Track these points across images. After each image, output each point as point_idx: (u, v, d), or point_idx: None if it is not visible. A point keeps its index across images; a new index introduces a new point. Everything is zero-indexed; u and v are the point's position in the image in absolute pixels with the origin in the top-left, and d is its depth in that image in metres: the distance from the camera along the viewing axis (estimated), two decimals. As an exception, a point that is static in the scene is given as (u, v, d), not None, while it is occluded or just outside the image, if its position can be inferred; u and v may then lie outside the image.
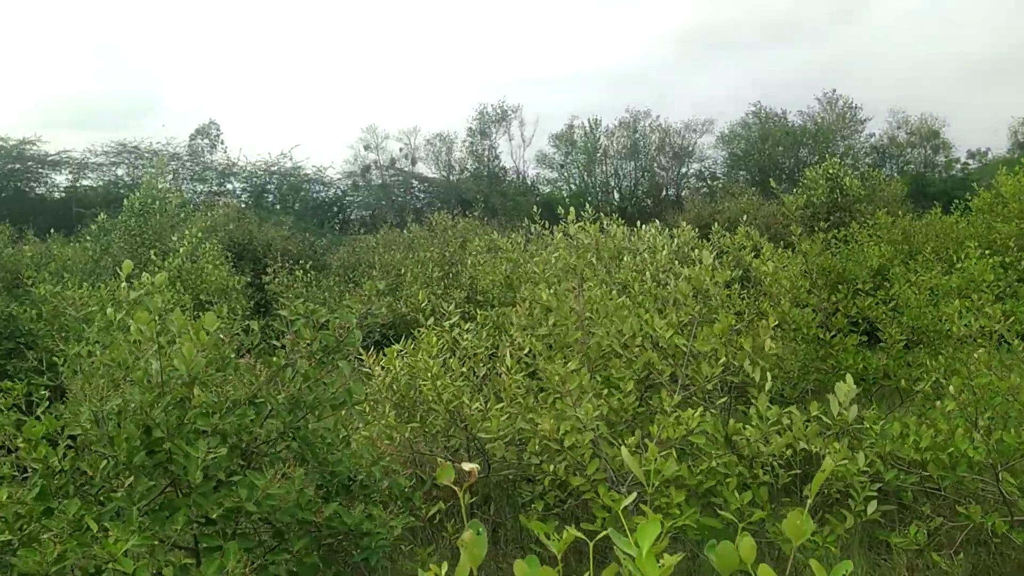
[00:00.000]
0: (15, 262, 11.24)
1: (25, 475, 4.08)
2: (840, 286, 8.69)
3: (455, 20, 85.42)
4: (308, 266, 14.41)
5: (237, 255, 16.51)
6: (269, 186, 49.14)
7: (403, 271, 14.11)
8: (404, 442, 5.77)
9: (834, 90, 48.31)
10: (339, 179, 51.53)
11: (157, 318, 4.05)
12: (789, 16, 79.37)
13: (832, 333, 7.36)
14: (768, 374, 4.98)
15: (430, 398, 5.57)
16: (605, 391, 4.67)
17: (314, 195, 50.70)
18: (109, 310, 4.21)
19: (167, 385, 3.93)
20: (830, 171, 18.93)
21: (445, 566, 1.84)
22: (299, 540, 3.85)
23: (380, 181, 51.18)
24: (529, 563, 1.69)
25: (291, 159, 48.36)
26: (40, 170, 47.98)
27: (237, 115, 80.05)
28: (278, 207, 45.05)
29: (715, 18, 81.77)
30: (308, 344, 4.21)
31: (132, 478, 3.55)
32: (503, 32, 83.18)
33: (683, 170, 50.36)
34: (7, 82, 68.92)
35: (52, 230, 19.75)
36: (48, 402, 4.28)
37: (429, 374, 5.62)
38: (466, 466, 4.66)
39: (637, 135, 49.00)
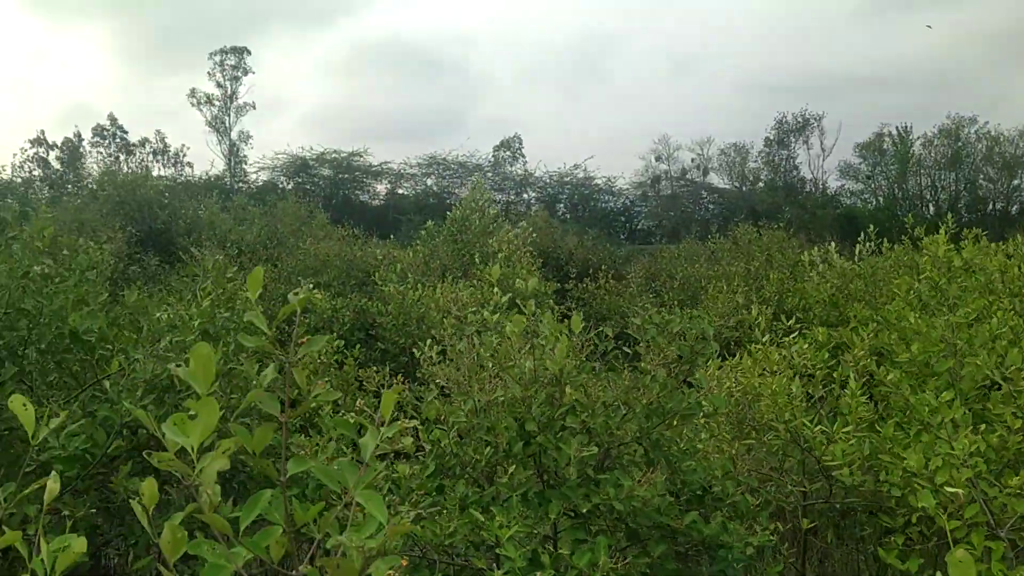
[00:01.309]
0: (366, 263, 12.77)
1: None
2: None
3: (749, 25, 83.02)
4: (609, 275, 14.77)
5: (542, 263, 17.35)
6: (561, 196, 51.10)
7: (706, 283, 13.97)
8: (737, 458, 5.70)
9: None
10: (628, 189, 52.24)
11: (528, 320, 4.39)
12: None
13: None
14: None
15: (768, 417, 5.47)
16: (983, 426, 4.28)
17: (602, 205, 51.89)
18: (485, 313, 4.64)
19: (538, 382, 4.24)
20: None
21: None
22: (657, 545, 3.96)
23: (669, 191, 51.12)
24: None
25: (584, 170, 49.88)
26: (364, 179, 53.92)
27: (533, 129, 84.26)
28: (568, 216, 46.71)
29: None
30: (664, 352, 4.32)
31: (514, 466, 3.87)
32: (801, 34, 79.38)
33: (1016, 182, 44.64)
34: (339, 100, 78.44)
35: (374, 234, 21.89)
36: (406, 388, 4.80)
37: (768, 392, 5.53)
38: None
39: (959, 143, 44.20)
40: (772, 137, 49.36)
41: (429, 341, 7.00)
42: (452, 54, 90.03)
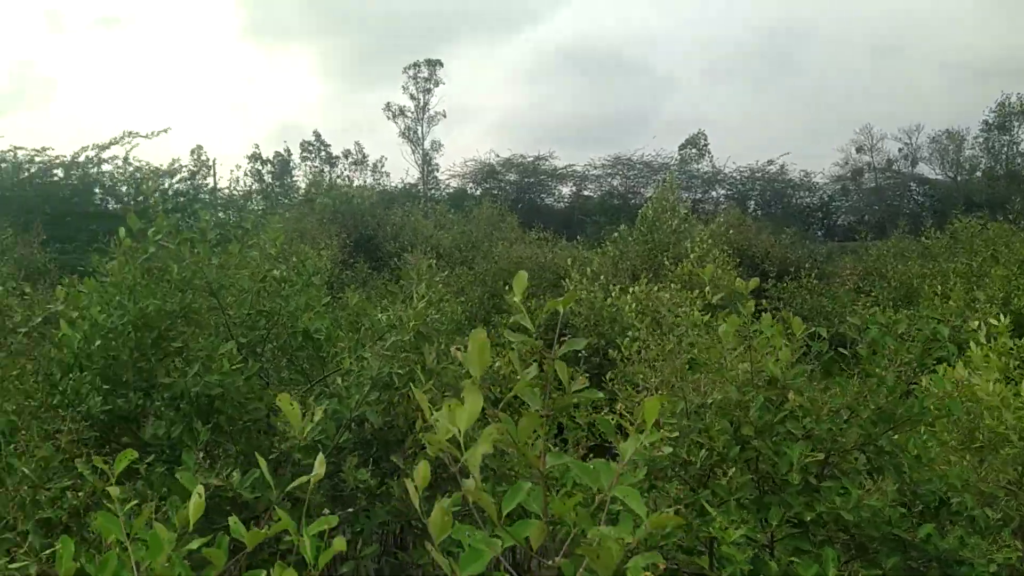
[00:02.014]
0: (556, 264, 12.96)
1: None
2: None
3: (952, 5, 76.25)
4: (813, 274, 14.06)
5: (737, 262, 16.82)
6: (751, 192, 49.32)
7: (920, 282, 12.97)
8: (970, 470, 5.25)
9: None
10: (825, 184, 49.53)
11: (744, 323, 4.26)
12: None
13: None
14: None
15: (1005, 426, 5.00)
16: None
17: (797, 201, 49.55)
18: (695, 313, 4.56)
19: (754, 385, 4.11)
20: None
21: None
22: (889, 557, 3.72)
23: (872, 184, 47.97)
24: None
25: (777, 165, 47.86)
26: (549, 182, 54.63)
27: (719, 126, 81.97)
28: (759, 213, 44.97)
29: None
30: (895, 355, 4.05)
31: (733, 469, 3.77)
32: (1013, 10, 71.89)
33: None
34: (525, 105, 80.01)
35: (560, 236, 22.01)
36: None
37: (1002, 398, 5.06)
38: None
39: None
40: (991, 122, 44.97)
41: (626, 340, 6.98)
42: (635, 55, 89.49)
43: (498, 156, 52.79)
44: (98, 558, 2.15)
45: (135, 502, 2.35)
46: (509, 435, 1.60)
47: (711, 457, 3.99)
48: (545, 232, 18.72)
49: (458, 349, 1.65)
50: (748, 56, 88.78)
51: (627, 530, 1.54)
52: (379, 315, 5.37)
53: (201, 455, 4.32)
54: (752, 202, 48.44)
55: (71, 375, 4.83)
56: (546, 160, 52.56)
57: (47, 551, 2.57)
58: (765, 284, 15.16)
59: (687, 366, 4.45)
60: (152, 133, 17.67)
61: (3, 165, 15.96)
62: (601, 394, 1.96)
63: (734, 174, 49.06)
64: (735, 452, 3.91)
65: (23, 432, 3.81)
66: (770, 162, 47.98)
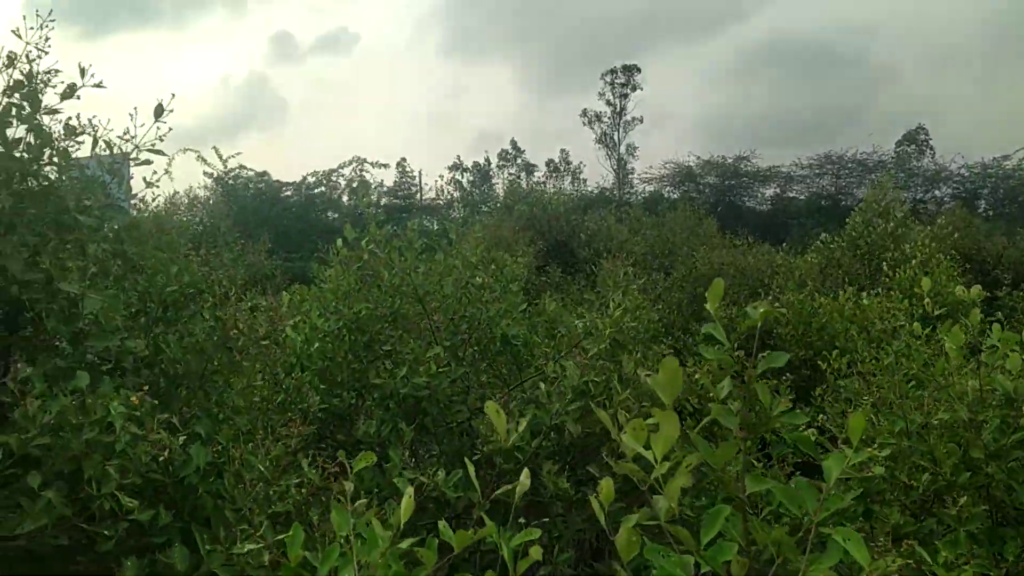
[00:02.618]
0: (759, 270, 12.43)
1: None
2: None
3: None
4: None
5: (964, 267, 15.34)
6: (982, 191, 44.84)
7: None
8: None
9: None
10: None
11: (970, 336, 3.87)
12: None
13: None
14: None
15: None
16: None
17: (1042, 198, 44.35)
18: (916, 324, 4.19)
19: (985, 404, 3.71)
20: None
21: None
22: None
23: None
24: None
25: (1014, 160, 43.17)
26: (751, 184, 52.55)
27: (942, 120, 75.37)
28: (991, 213, 40.77)
29: None
30: None
31: (964, 498, 3.42)
32: None
33: None
34: (724, 105, 77.75)
35: (762, 239, 20.98)
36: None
37: None
38: None
39: None
40: None
41: (835, 353, 6.55)
42: (847, 48, 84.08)
43: (697, 158, 51.53)
44: (322, 550, 2.30)
45: (361, 501, 2.50)
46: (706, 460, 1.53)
47: (936, 482, 3.64)
48: (747, 236, 17.98)
49: (648, 374, 1.60)
50: (978, 42, 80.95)
51: (834, 559, 1.42)
52: (575, 322, 5.39)
53: (406, 453, 4.52)
54: (983, 201, 43.96)
55: (293, 375, 5.25)
56: (747, 161, 50.55)
57: (278, 537, 2.79)
58: (997, 292, 13.74)
59: (907, 382, 4.09)
60: (377, 163, 19.19)
61: (236, 183, 17.72)
62: (805, 417, 1.83)
63: (961, 171, 44.79)
64: (964, 478, 3.55)
65: (260, 432, 4.18)
66: (1005, 157, 43.35)
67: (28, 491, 2.52)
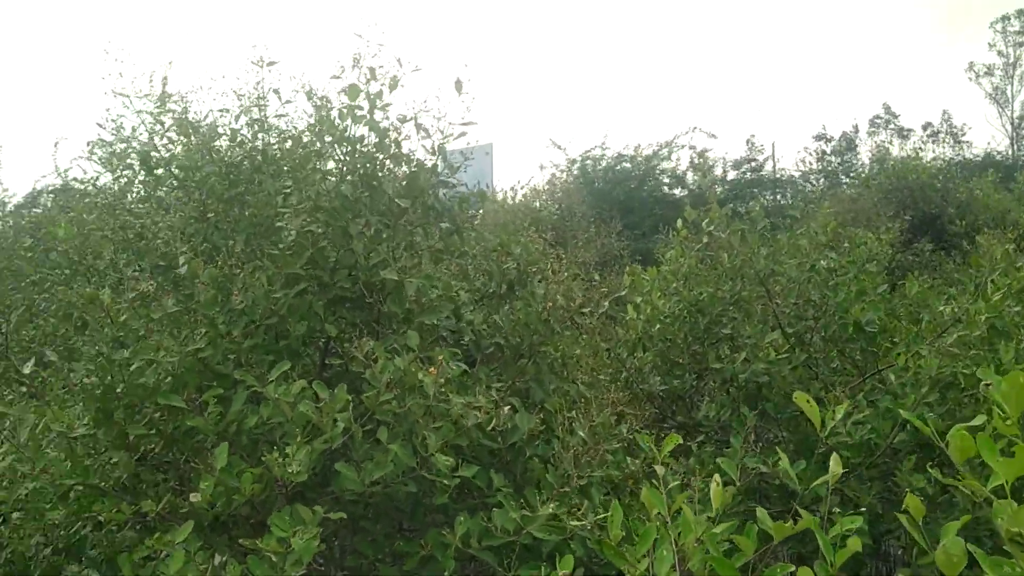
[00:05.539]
0: None
1: None
2: None
3: None
4: None
5: None
6: None
7: None
8: None
9: None
10: None
11: None
12: None
13: None
14: None
15: None
16: None
17: None
18: None
19: None
20: None
21: None
22: None
23: None
24: None
25: None
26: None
27: None
28: None
29: None
30: None
31: None
32: None
33: None
34: None
35: None
36: None
37: None
38: None
39: None
40: None
41: None
42: None
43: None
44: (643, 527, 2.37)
45: (676, 482, 2.54)
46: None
47: None
48: None
49: (987, 383, 1.41)
50: None
51: None
52: (941, 307, 4.85)
53: (751, 438, 4.44)
54: None
55: (635, 354, 5.41)
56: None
57: (605, 514, 2.93)
58: None
59: None
60: (710, 134, 18.75)
61: (587, 162, 18.40)
62: None
63: None
64: None
65: (583, 400, 4.39)
66: None
67: (380, 446, 2.96)
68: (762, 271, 5.24)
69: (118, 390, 3.00)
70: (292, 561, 2.57)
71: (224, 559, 2.72)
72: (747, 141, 19.80)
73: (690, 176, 18.58)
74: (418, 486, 2.99)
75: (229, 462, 2.82)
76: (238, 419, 2.99)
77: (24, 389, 3.71)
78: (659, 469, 2.52)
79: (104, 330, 3.13)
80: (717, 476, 2.35)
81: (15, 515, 3.16)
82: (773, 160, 20.85)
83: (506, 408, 3.09)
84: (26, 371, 3.21)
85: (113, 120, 4.56)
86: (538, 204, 15.64)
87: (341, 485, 2.91)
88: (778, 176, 20.32)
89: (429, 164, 3.95)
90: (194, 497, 2.72)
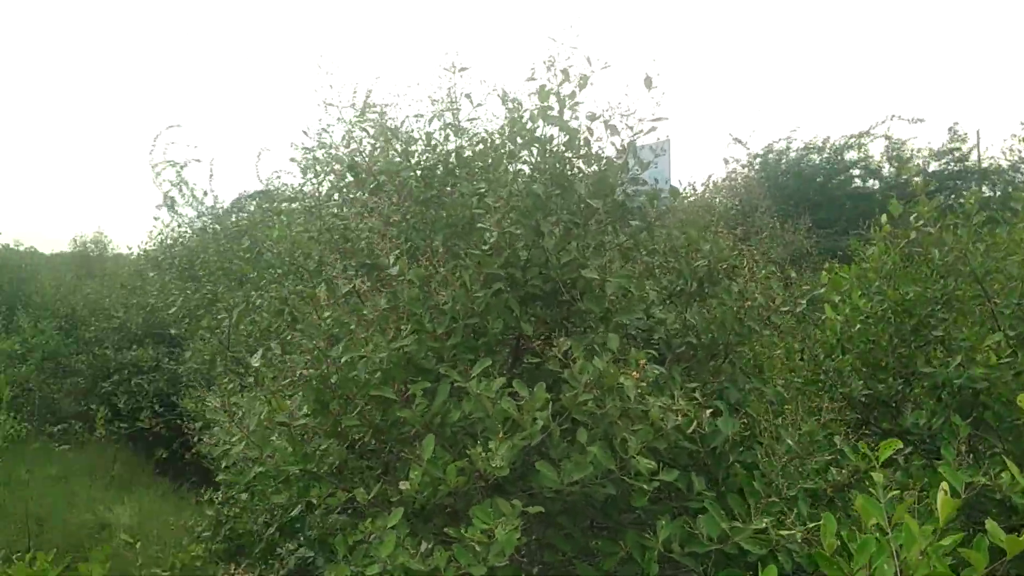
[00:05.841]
0: None
1: None
2: None
3: None
4: None
5: None
6: None
7: None
8: None
9: None
10: None
11: None
12: None
13: None
14: None
15: None
16: None
17: None
18: None
19: None
20: None
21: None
22: None
23: None
24: None
25: None
26: None
27: None
28: None
29: None
30: None
31: None
32: None
33: None
34: None
35: None
36: None
37: None
38: None
39: None
40: None
41: None
42: None
43: None
44: (859, 538, 2.23)
45: (896, 491, 2.37)
46: None
47: None
48: None
49: None
50: None
51: None
52: None
53: (963, 449, 4.10)
54: None
55: (833, 356, 5.12)
56: None
57: (813, 524, 2.78)
58: None
59: None
60: (912, 119, 17.26)
61: (770, 156, 17.63)
62: None
63: None
64: None
65: (789, 406, 4.20)
66: None
67: (579, 447, 2.96)
68: (978, 269, 4.80)
69: (332, 381, 3.20)
70: (495, 552, 2.64)
71: (430, 546, 2.83)
72: (949, 129, 18.13)
73: (886, 168, 17.38)
74: (616, 488, 2.98)
75: (435, 453, 2.93)
76: (442, 412, 3.10)
77: (251, 379, 4.04)
78: (877, 477, 2.37)
79: (320, 326, 3.34)
80: (945, 485, 2.19)
81: (243, 496, 3.44)
82: (978, 150, 19.05)
83: (708, 411, 3.02)
84: (255, 363, 3.49)
85: (325, 129, 4.87)
86: (718, 200, 15.20)
87: (540, 483, 2.95)
88: (988, 166, 18.53)
89: (619, 161, 3.92)
90: (403, 485, 2.86)
